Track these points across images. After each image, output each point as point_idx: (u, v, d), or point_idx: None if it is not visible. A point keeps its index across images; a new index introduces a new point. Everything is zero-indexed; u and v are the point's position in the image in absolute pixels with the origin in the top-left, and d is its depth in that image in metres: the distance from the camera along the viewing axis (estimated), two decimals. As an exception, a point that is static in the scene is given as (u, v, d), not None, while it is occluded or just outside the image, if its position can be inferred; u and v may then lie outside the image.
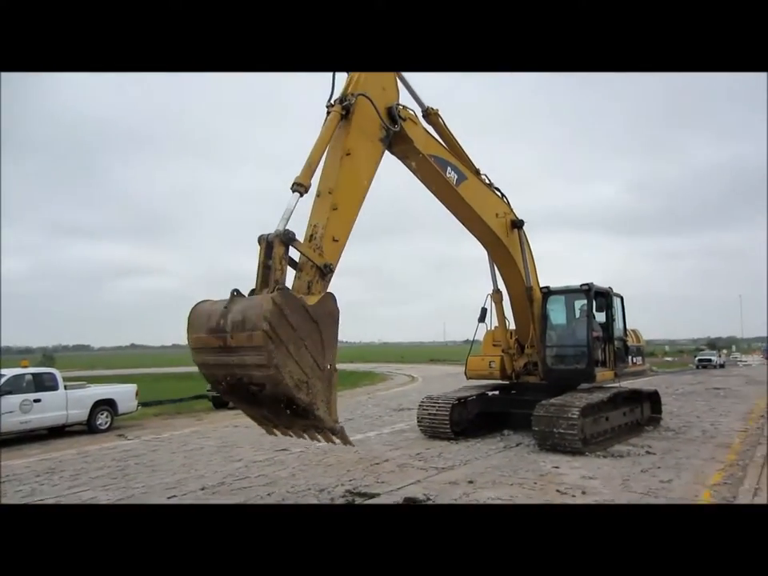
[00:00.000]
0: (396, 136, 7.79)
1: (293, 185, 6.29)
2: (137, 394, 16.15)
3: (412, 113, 8.42)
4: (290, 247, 6.06)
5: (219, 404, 20.35)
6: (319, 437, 6.16)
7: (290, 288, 6.09)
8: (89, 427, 14.62)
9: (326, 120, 6.95)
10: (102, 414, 14.93)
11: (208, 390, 20.69)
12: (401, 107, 7.99)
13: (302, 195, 6.32)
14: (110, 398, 15.24)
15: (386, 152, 7.89)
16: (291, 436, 6.43)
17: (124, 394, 15.80)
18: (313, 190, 6.61)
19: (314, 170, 6.55)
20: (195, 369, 6.35)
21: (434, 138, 9.14)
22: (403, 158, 8.53)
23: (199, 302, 6.10)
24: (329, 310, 5.78)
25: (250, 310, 5.40)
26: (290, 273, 6.26)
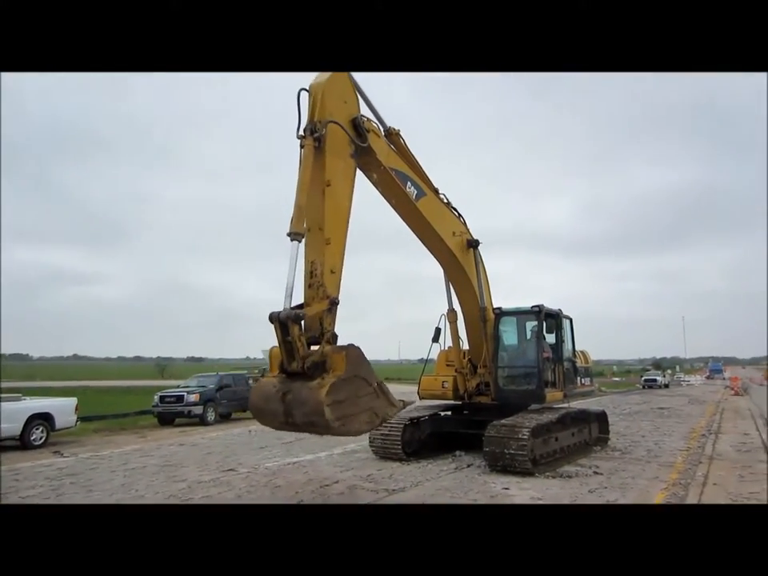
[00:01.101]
0: (359, 147, 7.90)
1: (289, 234, 6.65)
2: (76, 409, 15.43)
3: (375, 125, 8.62)
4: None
5: (165, 421, 19.69)
6: None
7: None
8: (22, 442, 13.87)
9: (301, 156, 7.25)
10: (36, 429, 14.19)
11: (154, 406, 20.02)
12: (365, 119, 8.16)
13: (300, 242, 6.77)
14: (47, 411, 14.53)
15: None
16: None
17: (62, 408, 15.09)
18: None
19: (304, 214, 6.95)
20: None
21: (395, 152, 9.24)
22: (365, 170, 8.63)
23: (254, 390, 7.13)
24: (355, 359, 6.54)
25: (312, 416, 6.13)
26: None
